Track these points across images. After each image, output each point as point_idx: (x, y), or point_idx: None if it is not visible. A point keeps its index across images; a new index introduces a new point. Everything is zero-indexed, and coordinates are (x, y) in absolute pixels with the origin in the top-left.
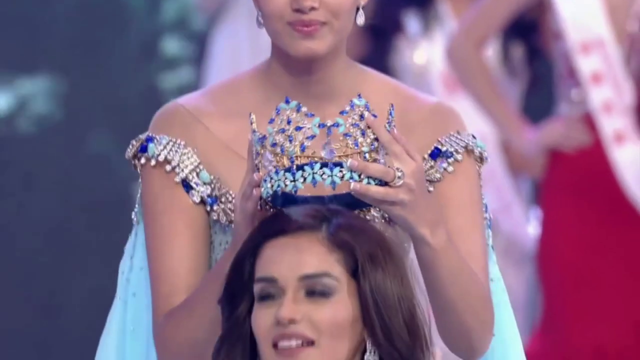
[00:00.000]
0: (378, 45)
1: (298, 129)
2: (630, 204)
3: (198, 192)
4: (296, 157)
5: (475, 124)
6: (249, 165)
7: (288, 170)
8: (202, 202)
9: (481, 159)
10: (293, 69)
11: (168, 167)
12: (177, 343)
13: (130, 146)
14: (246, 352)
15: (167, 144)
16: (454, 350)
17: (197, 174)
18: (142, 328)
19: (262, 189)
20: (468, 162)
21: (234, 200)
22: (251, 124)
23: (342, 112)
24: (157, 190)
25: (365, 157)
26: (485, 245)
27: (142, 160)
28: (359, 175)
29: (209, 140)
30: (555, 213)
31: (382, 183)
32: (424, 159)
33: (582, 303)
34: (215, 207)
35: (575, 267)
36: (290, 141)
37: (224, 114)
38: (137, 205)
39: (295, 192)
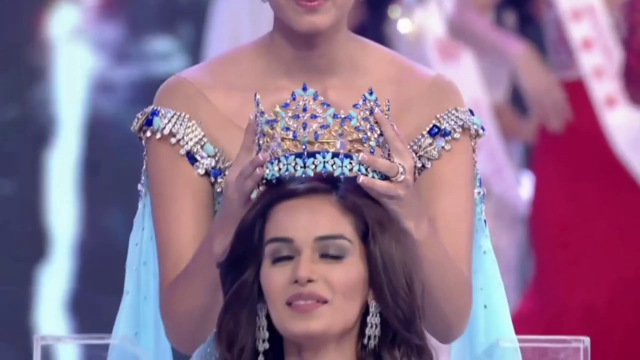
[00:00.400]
0: (373, 13)
1: (313, 117)
2: (621, 165)
3: (202, 164)
4: (309, 144)
5: (470, 90)
6: (245, 142)
7: (299, 156)
8: (207, 174)
9: (477, 135)
10: (295, 42)
11: (173, 140)
12: (178, 311)
13: (136, 119)
14: (252, 316)
15: (172, 117)
16: (430, 332)
17: (202, 147)
18: (151, 295)
19: (267, 170)
20: (464, 141)
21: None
22: (257, 105)
23: (355, 105)
24: (163, 162)
25: (372, 152)
26: (472, 228)
27: (148, 134)
28: (366, 169)
29: (211, 114)
30: (547, 176)
31: (383, 177)
32: (422, 135)
33: (572, 262)
34: (219, 179)
35: (566, 227)
36: (304, 128)
37: (226, 86)
38: (143, 177)
39: (305, 178)
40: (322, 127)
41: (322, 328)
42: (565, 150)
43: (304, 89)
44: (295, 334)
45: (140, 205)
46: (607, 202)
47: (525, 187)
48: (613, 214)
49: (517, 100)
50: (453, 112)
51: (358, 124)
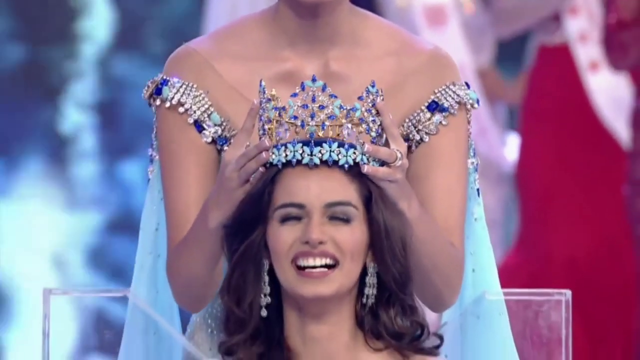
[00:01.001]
0: None
1: (321, 107)
2: (603, 127)
3: (209, 132)
4: (316, 133)
5: (456, 55)
6: (245, 125)
7: (306, 144)
8: (213, 141)
9: (472, 106)
10: (300, 13)
11: (181, 109)
12: (181, 275)
13: (146, 87)
14: (258, 276)
15: (181, 87)
16: (423, 302)
17: (209, 116)
18: (163, 256)
19: (274, 156)
20: (461, 116)
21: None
22: (263, 92)
23: (359, 98)
24: (172, 130)
25: (373, 141)
26: (465, 200)
27: (157, 102)
28: (367, 158)
29: (218, 83)
30: (533, 136)
31: (381, 163)
32: (421, 110)
33: (556, 218)
34: (225, 147)
35: (550, 186)
36: (312, 118)
37: (232, 57)
38: (154, 142)
39: (312, 165)
40: (330, 117)
41: (331, 292)
42: (551, 112)
43: (314, 80)
44: (305, 298)
45: (151, 169)
46: (589, 162)
47: (509, 147)
48: (595, 172)
49: (501, 65)
50: (451, 87)
51: (362, 116)
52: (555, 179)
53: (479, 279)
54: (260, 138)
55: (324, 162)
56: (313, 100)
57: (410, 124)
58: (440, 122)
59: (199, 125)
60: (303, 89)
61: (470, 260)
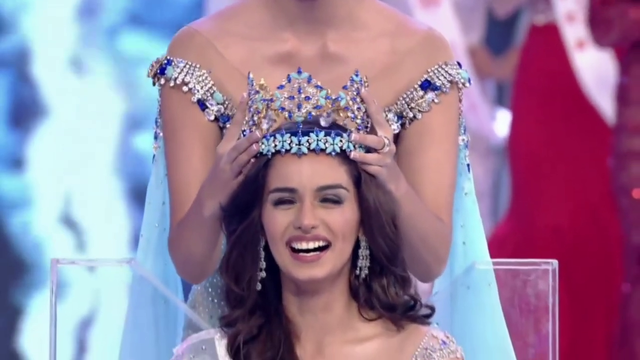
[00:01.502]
0: None
1: (307, 98)
2: (589, 103)
3: (212, 111)
4: (303, 123)
5: (448, 34)
6: (236, 118)
7: (294, 134)
8: (216, 119)
9: (464, 85)
10: None
11: (185, 89)
12: (182, 252)
13: (151, 67)
14: (255, 255)
15: (184, 67)
16: (411, 273)
17: (211, 95)
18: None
19: (263, 146)
20: (453, 94)
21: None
22: (251, 84)
23: (344, 87)
24: (176, 109)
25: (359, 128)
26: (454, 177)
27: (162, 81)
28: (354, 145)
29: (220, 63)
30: (523, 111)
31: (367, 149)
32: (415, 88)
33: (544, 189)
34: (227, 125)
35: (539, 158)
36: (299, 108)
37: (233, 37)
38: (158, 120)
39: (300, 155)
40: (316, 107)
41: (325, 274)
42: (540, 88)
43: (299, 72)
44: (300, 280)
45: (156, 145)
46: (575, 136)
47: (498, 122)
48: (581, 146)
49: (491, 43)
50: (443, 66)
51: (347, 104)
52: (543, 152)
53: (469, 250)
54: (249, 129)
55: (311, 151)
56: (299, 91)
57: (403, 101)
58: (433, 100)
59: (202, 104)
60: (289, 80)
61: (461, 233)
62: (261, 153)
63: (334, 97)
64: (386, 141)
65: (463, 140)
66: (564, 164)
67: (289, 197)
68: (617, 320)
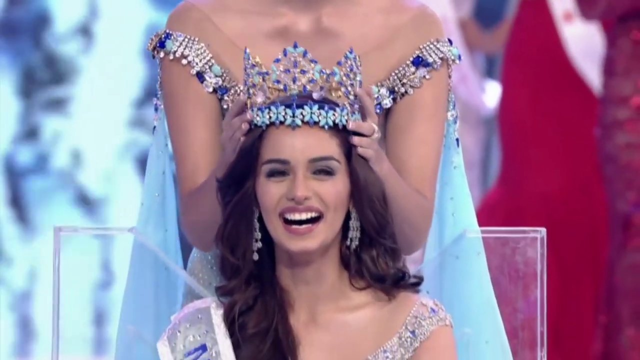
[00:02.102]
0: None
1: (303, 72)
2: (577, 74)
3: (211, 83)
4: (297, 96)
5: (439, 8)
6: (232, 109)
7: (288, 106)
8: (214, 91)
9: (454, 62)
10: None
11: (184, 62)
12: (194, 221)
13: (150, 40)
14: (250, 226)
15: (183, 40)
16: None
17: (210, 68)
18: (170, 197)
19: (258, 118)
20: (443, 71)
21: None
22: (247, 58)
23: (338, 63)
24: (176, 81)
25: (352, 103)
26: (440, 152)
27: (161, 54)
28: (346, 120)
29: (217, 37)
30: (513, 82)
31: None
32: (407, 64)
33: (533, 158)
34: (225, 97)
35: (528, 128)
36: (294, 82)
37: (231, 11)
38: (158, 91)
39: (294, 127)
40: (310, 81)
41: (317, 245)
42: (529, 60)
43: (295, 46)
44: (293, 252)
45: (156, 117)
46: (563, 106)
47: (488, 93)
48: (568, 116)
49: (481, 17)
50: (435, 43)
51: (340, 80)
52: (532, 122)
53: (458, 222)
54: (247, 98)
55: (305, 123)
56: (295, 65)
57: (395, 77)
58: (424, 76)
59: (200, 76)
60: (285, 54)
61: (450, 205)
62: (256, 125)
63: (328, 72)
64: (375, 128)
65: (452, 115)
66: (552, 133)
67: (282, 169)
68: (603, 284)
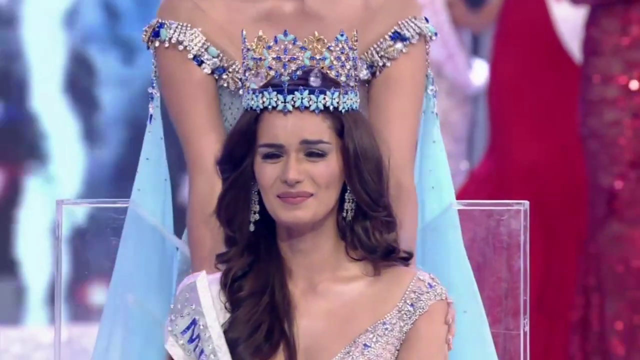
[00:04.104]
0: None
1: (293, 59)
2: (564, 51)
3: (209, 64)
4: (289, 82)
5: None
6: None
7: (280, 92)
8: (212, 72)
9: (430, 38)
10: None
11: (180, 47)
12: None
13: (144, 32)
14: (247, 199)
15: (177, 27)
16: None
17: (206, 50)
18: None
19: (253, 101)
20: (420, 46)
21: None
22: (244, 41)
23: (328, 47)
24: (174, 67)
25: (343, 85)
26: (417, 125)
27: (157, 44)
28: (337, 102)
29: (208, 22)
30: (502, 58)
31: (345, 92)
32: (384, 38)
33: (520, 131)
34: (224, 76)
35: (516, 102)
36: (285, 68)
37: None
38: (154, 81)
39: (286, 112)
40: (301, 67)
41: (308, 217)
42: (519, 37)
43: (285, 34)
44: (285, 222)
45: (152, 106)
46: (551, 82)
47: (475, 70)
48: (555, 91)
49: None
50: (412, 20)
51: (331, 64)
52: (520, 97)
53: (437, 194)
54: (242, 81)
55: (296, 108)
56: (285, 52)
57: (374, 51)
58: (401, 50)
59: (198, 59)
60: (276, 42)
61: (430, 178)
62: (251, 108)
63: (318, 57)
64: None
65: (432, 90)
66: (539, 107)
67: (276, 152)
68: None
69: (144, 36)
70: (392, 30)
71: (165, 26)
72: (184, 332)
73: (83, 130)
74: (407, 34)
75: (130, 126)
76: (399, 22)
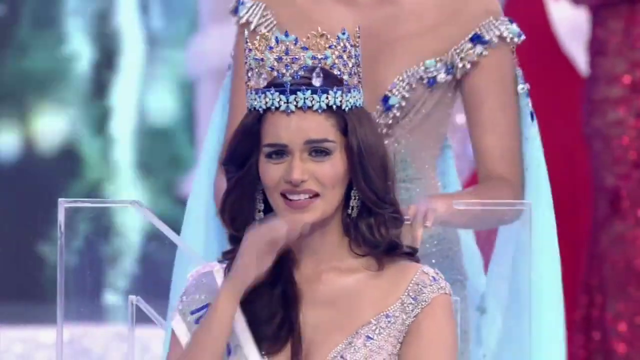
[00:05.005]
0: None
1: (294, 59)
2: (563, 52)
3: None
4: (291, 83)
5: None
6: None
7: (283, 92)
8: None
9: (512, 40)
10: None
11: (251, 27)
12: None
13: (231, 6)
14: (252, 198)
15: (251, 7)
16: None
17: (271, 32)
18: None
19: (256, 102)
20: (501, 48)
21: None
22: (246, 42)
23: (330, 47)
24: (240, 45)
25: (345, 83)
26: (515, 126)
27: (235, 19)
28: (340, 102)
29: (287, 4)
30: None
31: (347, 90)
32: (465, 40)
33: None
34: None
35: None
36: (287, 69)
37: None
38: (232, 52)
39: (289, 113)
40: (303, 67)
41: (315, 219)
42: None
43: (286, 35)
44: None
45: (227, 73)
46: (550, 81)
47: None
48: (555, 91)
49: None
50: (493, 21)
51: (333, 62)
52: None
53: (532, 191)
54: (246, 81)
55: (299, 108)
56: (286, 52)
57: (454, 53)
58: (482, 53)
59: None
60: (277, 42)
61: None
62: (254, 108)
63: (320, 57)
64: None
65: (522, 89)
66: (539, 107)
67: (280, 151)
68: (585, 255)
69: (231, 9)
70: (472, 33)
71: (244, 4)
72: (194, 312)
73: None
74: (487, 37)
75: None
76: (480, 24)
